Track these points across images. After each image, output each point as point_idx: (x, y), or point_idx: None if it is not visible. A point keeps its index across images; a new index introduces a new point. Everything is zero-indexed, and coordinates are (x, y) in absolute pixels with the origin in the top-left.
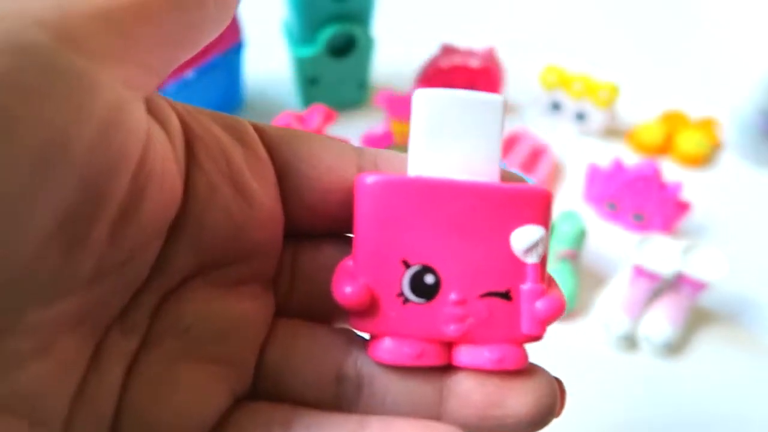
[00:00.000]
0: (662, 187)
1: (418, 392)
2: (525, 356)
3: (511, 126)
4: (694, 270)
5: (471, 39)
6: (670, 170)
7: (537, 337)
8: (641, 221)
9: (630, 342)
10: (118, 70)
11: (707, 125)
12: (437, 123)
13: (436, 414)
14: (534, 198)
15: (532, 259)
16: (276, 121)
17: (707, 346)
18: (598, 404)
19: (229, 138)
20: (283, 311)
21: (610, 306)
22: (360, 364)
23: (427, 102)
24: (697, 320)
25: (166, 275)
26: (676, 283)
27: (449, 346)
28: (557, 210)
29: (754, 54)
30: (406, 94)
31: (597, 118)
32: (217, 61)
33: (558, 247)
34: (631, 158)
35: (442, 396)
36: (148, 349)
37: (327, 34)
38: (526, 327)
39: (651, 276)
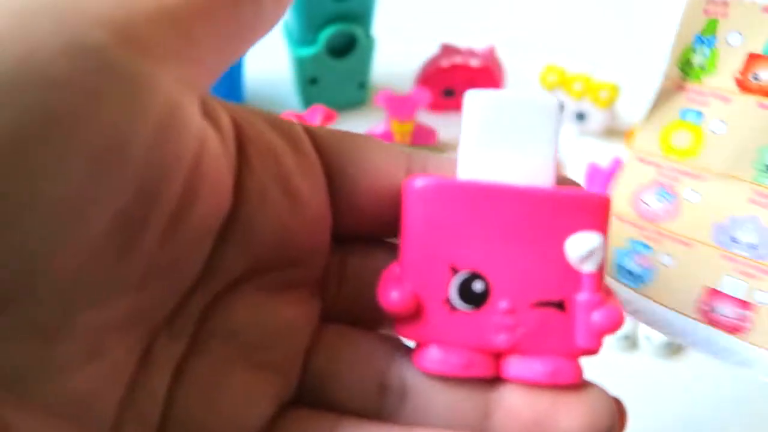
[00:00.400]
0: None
1: (464, 404)
2: (580, 370)
3: None
4: None
5: (471, 39)
6: None
7: (593, 351)
8: None
9: (630, 342)
10: (177, 69)
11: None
12: (489, 125)
13: (480, 428)
14: (591, 204)
15: (588, 268)
16: None
17: None
18: None
19: (280, 140)
20: (330, 316)
21: None
22: (404, 373)
23: (480, 103)
24: None
25: (215, 278)
26: None
27: (497, 357)
28: None
29: None
30: (406, 94)
31: (597, 118)
32: None
33: None
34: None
35: (489, 410)
36: (196, 353)
37: (327, 34)
38: (581, 339)
39: None
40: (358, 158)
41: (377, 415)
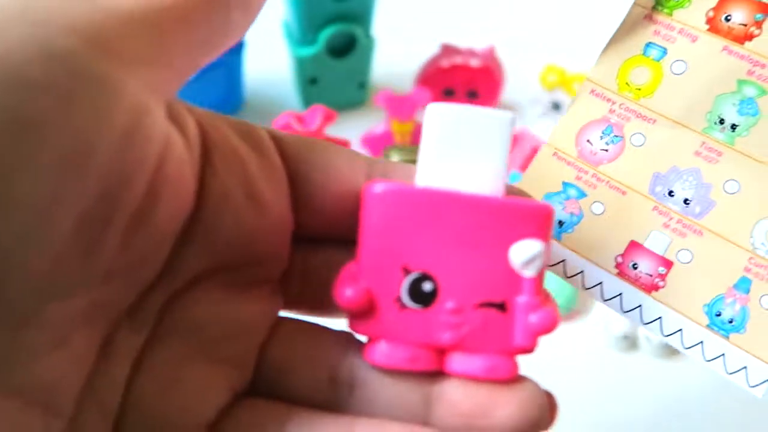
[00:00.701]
0: None
1: (408, 396)
2: (516, 367)
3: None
4: None
5: (471, 39)
6: None
7: (529, 349)
8: None
9: (630, 342)
10: (146, 73)
11: None
12: (447, 136)
13: (423, 418)
14: (535, 213)
15: (529, 273)
16: (276, 121)
17: None
18: (597, 404)
19: (245, 146)
20: (293, 312)
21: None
22: (355, 366)
23: (439, 116)
24: None
25: (175, 276)
26: None
27: (442, 353)
28: None
29: None
30: (406, 94)
31: None
32: (217, 61)
33: None
34: None
35: (431, 401)
36: (155, 346)
37: (327, 34)
38: (518, 339)
39: None
40: (322, 164)
41: (327, 405)
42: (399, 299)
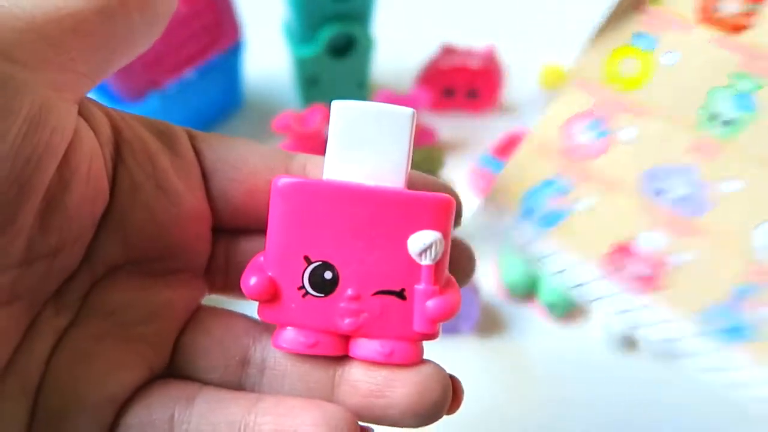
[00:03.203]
0: None
1: (313, 377)
2: (416, 352)
3: (511, 126)
4: None
5: (471, 39)
6: None
7: (429, 335)
8: None
9: (629, 342)
10: (48, 75)
11: None
12: (351, 132)
13: (329, 399)
14: (433, 205)
15: (426, 261)
16: (276, 121)
17: None
18: (597, 405)
19: (157, 142)
20: (219, 295)
21: None
22: (266, 350)
23: (343, 112)
24: None
25: (97, 263)
26: None
27: (346, 338)
28: None
29: None
30: (406, 94)
31: None
32: (217, 61)
33: None
34: None
35: (335, 383)
36: (76, 326)
37: (327, 34)
38: (418, 325)
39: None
40: (236, 159)
41: (239, 386)
42: (302, 287)
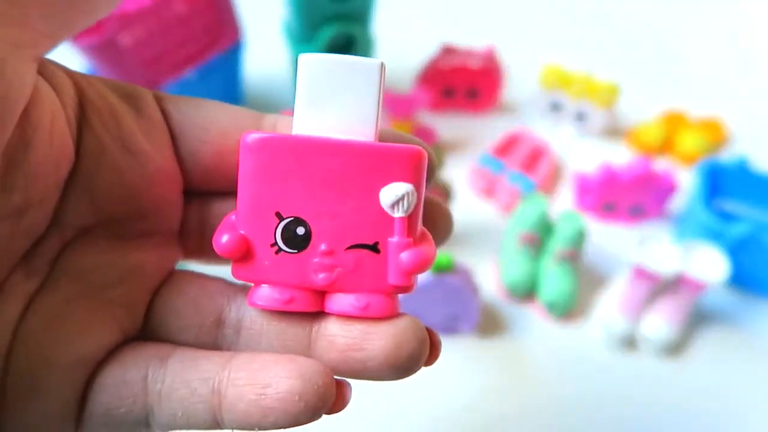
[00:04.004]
0: (656, 178)
1: (290, 334)
2: (392, 305)
3: (511, 126)
4: (694, 270)
5: (471, 39)
6: (670, 170)
7: (404, 288)
8: (639, 213)
9: (629, 342)
10: (3, 30)
11: (712, 126)
12: (319, 86)
13: (306, 355)
14: (404, 156)
15: (398, 213)
16: None
17: (707, 346)
18: (597, 404)
19: (123, 104)
20: (196, 262)
21: (610, 306)
22: (241, 309)
23: (310, 66)
24: (697, 320)
25: (66, 225)
26: (676, 283)
27: (323, 294)
28: (557, 210)
29: (755, 54)
30: (406, 94)
31: (597, 118)
32: (217, 61)
33: (558, 247)
34: (628, 157)
35: (312, 338)
36: (47, 289)
37: (327, 34)
38: (392, 278)
39: (651, 276)
40: (204, 120)
41: (215, 346)
42: (275, 244)
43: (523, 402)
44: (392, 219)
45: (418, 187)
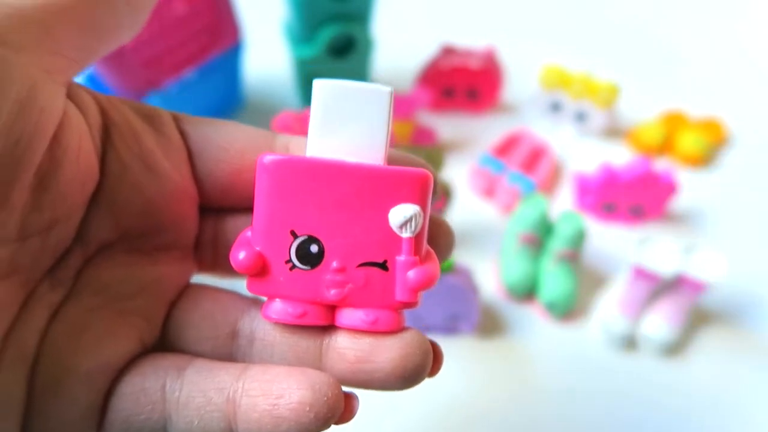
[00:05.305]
0: (656, 178)
1: (302, 346)
2: (399, 320)
3: (511, 126)
4: (694, 270)
5: (471, 39)
6: (670, 170)
7: (410, 304)
8: (639, 213)
9: (629, 342)
10: (36, 57)
11: (712, 126)
12: (332, 110)
13: (317, 367)
14: (411, 180)
15: (406, 234)
16: (276, 121)
17: (707, 346)
18: (597, 404)
19: (143, 124)
20: (210, 276)
21: (610, 306)
22: (254, 322)
23: (324, 91)
24: (697, 320)
25: (88, 242)
26: (676, 283)
27: (332, 309)
28: (557, 210)
29: (754, 54)
30: (406, 95)
31: (597, 118)
32: (217, 61)
33: (558, 247)
34: (628, 158)
35: (323, 351)
36: (71, 300)
37: (327, 34)
38: (399, 294)
39: (651, 276)
40: (222, 140)
41: (229, 358)
42: (289, 261)
43: (524, 402)
44: (400, 238)
45: (424, 208)
